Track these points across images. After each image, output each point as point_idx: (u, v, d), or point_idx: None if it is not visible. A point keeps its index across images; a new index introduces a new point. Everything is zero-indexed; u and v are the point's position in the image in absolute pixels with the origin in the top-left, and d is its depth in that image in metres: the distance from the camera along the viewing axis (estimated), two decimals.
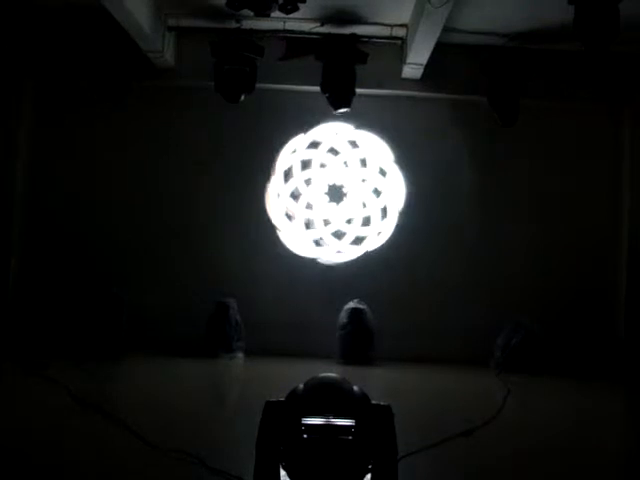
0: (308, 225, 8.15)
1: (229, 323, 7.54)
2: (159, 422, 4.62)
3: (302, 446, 2.64)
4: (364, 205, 8.13)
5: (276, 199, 8.12)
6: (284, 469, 2.71)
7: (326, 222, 8.14)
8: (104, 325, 7.26)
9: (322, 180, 8.14)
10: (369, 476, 2.71)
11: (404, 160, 8.09)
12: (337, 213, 8.11)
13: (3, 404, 5.03)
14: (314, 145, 8.17)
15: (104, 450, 3.98)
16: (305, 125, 8.10)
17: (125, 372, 6.82)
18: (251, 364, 7.36)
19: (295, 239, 8.11)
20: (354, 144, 8.17)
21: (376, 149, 8.13)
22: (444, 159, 8.10)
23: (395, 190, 8.11)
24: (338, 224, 8.12)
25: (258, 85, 7.23)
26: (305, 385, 2.86)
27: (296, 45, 7.56)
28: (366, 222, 8.13)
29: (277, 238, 8.10)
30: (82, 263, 7.96)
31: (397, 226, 8.10)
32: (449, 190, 8.09)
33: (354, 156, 8.15)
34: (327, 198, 8.12)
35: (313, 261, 8.10)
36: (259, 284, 7.88)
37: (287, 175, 8.17)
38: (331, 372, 3.00)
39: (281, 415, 2.77)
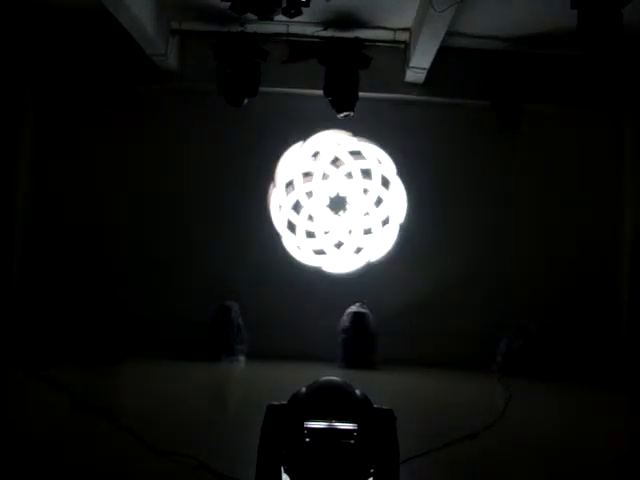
0: (310, 235, 8.15)
1: (231, 326, 7.54)
2: (160, 425, 4.62)
3: (304, 450, 2.63)
4: (367, 213, 8.13)
5: (277, 210, 8.12)
6: (286, 473, 2.71)
7: (327, 232, 8.15)
8: (106, 327, 7.27)
9: (324, 192, 8.14)
10: None
11: (406, 165, 8.10)
12: (338, 224, 8.12)
13: (5, 406, 5.04)
14: (316, 155, 8.18)
15: (105, 453, 3.98)
16: (308, 129, 8.12)
17: (127, 375, 6.82)
18: (253, 367, 7.37)
19: (297, 248, 8.12)
20: (357, 154, 8.18)
21: (378, 159, 8.13)
22: (446, 163, 8.11)
23: (397, 198, 8.11)
24: (339, 235, 8.12)
25: (261, 89, 7.23)
26: (307, 389, 2.85)
27: (299, 49, 7.57)
28: (368, 232, 8.15)
29: (279, 243, 8.11)
30: (84, 265, 7.97)
31: (399, 231, 8.10)
32: (450, 193, 8.10)
33: (356, 167, 8.16)
34: (328, 210, 8.13)
35: (316, 268, 8.10)
36: (261, 287, 7.88)
37: (288, 186, 8.18)
38: (333, 376, 2.99)
39: (283, 419, 2.76)
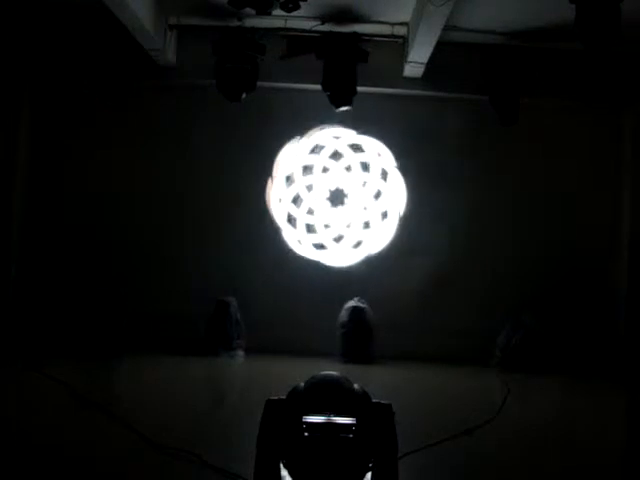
0: (310, 229, 8.15)
1: (229, 321, 7.55)
2: (159, 420, 4.62)
3: (303, 444, 2.64)
4: (365, 208, 8.13)
5: (277, 204, 8.11)
6: (285, 467, 2.72)
7: (327, 226, 8.14)
8: (105, 323, 7.27)
9: (323, 185, 8.13)
10: (370, 474, 2.72)
11: (404, 158, 8.09)
12: (338, 217, 8.11)
13: (3, 402, 5.04)
14: (314, 149, 8.17)
15: (104, 448, 3.99)
16: (307, 123, 8.10)
17: (126, 370, 6.82)
18: (251, 362, 7.37)
19: (297, 242, 8.11)
20: (356, 148, 8.17)
21: (378, 152, 8.12)
22: (444, 157, 8.09)
23: (396, 191, 8.10)
24: (339, 228, 8.12)
25: (259, 83, 7.22)
26: (306, 383, 2.86)
27: (297, 43, 7.55)
28: (367, 225, 8.14)
29: (279, 237, 8.10)
30: (83, 261, 7.96)
31: (398, 226, 8.10)
32: (448, 189, 8.08)
33: (356, 160, 8.14)
34: (329, 203, 8.12)
35: (315, 262, 8.10)
36: (260, 282, 7.87)
37: (289, 179, 8.17)
38: (332, 370, 3.00)
39: (282, 413, 2.77)
